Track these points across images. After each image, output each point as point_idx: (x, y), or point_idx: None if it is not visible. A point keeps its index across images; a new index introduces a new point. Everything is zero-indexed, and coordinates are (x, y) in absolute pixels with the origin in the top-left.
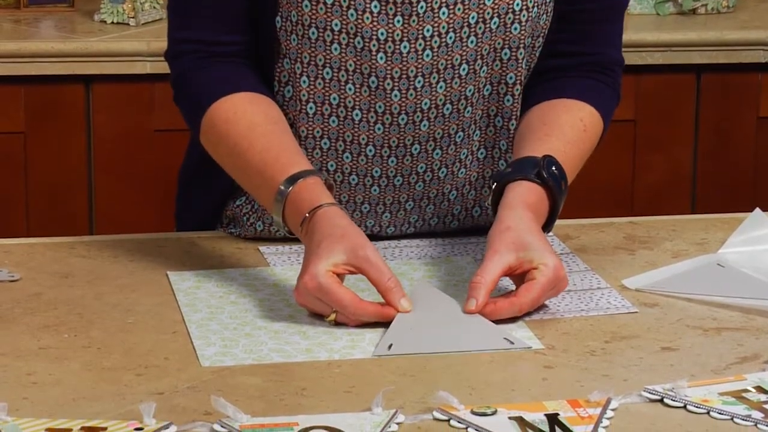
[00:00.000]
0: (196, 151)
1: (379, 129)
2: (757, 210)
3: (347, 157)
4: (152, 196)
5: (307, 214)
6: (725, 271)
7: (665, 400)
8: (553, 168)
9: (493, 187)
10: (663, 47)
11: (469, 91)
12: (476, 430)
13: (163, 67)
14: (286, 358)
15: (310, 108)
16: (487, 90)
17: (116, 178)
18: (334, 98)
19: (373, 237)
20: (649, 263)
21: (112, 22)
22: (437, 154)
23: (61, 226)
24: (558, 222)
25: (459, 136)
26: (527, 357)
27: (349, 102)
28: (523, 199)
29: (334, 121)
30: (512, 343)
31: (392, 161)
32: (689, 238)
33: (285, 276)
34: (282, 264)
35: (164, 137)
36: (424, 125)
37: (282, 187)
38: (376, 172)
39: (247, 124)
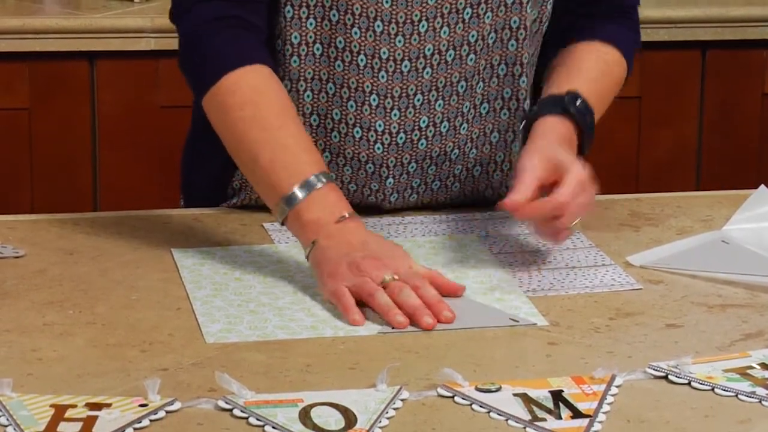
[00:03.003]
0: (201, 123)
1: (383, 77)
2: (762, 187)
3: (351, 106)
4: (156, 172)
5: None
6: (730, 247)
7: (670, 376)
8: (578, 101)
9: (521, 127)
10: (668, 24)
11: (472, 36)
12: (481, 406)
13: (167, 44)
14: (291, 335)
15: (317, 49)
16: (492, 38)
17: (120, 154)
18: (340, 41)
19: (378, 210)
20: (654, 240)
21: None
22: (439, 105)
23: (65, 202)
24: None
25: (461, 86)
26: (532, 334)
27: (355, 47)
28: (553, 130)
29: (339, 66)
30: (517, 321)
31: (395, 114)
32: (694, 214)
33: (290, 253)
34: (286, 241)
35: (169, 113)
36: (427, 72)
37: (296, 192)
38: (379, 125)
39: (280, 101)
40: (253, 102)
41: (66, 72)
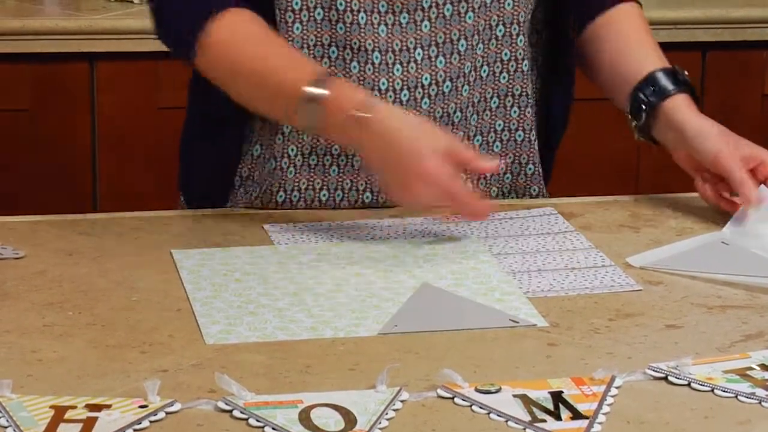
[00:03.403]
0: (198, 113)
1: (382, 31)
2: (762, 187)
3: (354, 67)
4: (157, 174)
5: (355, 113)
6: (729, 249)
7: (669, 377)
8: (683, 74)
9: (646, 110)
10: (668, 25)
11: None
12: (480, 407)
13: None
14: (291, 336)
15: (318, 14)
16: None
17: (121, 156)
18: (341, 3)
19: (371, 206)
20: (654, 241)
21: (117, 0)
22: (440, 62)
23: (65, 203)
24: (562, 200)
25: (461, 45)
26: (531, 334)
27: (355, 5)
28: (697, 112)
29: (341, 28)
30: (516, 322)
31: (397, 70)
32: (694, 215)
33: (289, 254)
34: (286, 242)
35: (169, 115)
36: (425, 26)
37: (311, 89)
38: (383, 83)
39: (257, 37)
40: (234, 49)
41: (66, 73)
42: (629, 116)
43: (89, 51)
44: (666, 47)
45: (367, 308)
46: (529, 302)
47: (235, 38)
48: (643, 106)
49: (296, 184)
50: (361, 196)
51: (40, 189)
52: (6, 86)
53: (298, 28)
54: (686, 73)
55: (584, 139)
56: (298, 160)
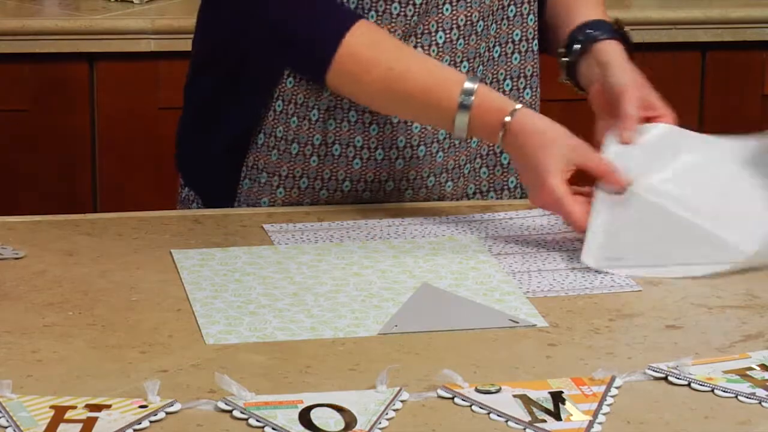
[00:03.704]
0: (198, 102)
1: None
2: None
3: (331, 124)
4: (156, 174)
5: (506, 119)
6: (682, 227)
7: (669, 377)
8: (622, 28)
9: (579, 49)
10: (668, 25)
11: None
12: (480, 407)
13: (167, 45)
14: (291, 336)
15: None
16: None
17: (120, 156)
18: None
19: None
20: None
21: (116, 0)
22: (461, 44)
23: (65, 203)
24: None
25: (480, 26)
26: (531, 335)
27: None
28: (624, 57)
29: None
30: (516, 322)
31: (374, 130)
32: None
33: (289, 254)
34: (286, 242)
35: (168, 115)
36: (446, 9)
37: (462, 99)
38: (358, 141)
39: (394, 45)
40: (374, 61)
41: (66, 73)
42: (561, 53)
43: (89, 51)
44: (666, 47)
45: (367, 308)
46: (529, 302)
47: (372, 48)
48: (577, 46)
49: (277, 169)
50: (340, 185)
51: (40, 189)
52: (6, 86)
53: None
54: (627, 29)
55: (585, 139)
56: (282, 145)
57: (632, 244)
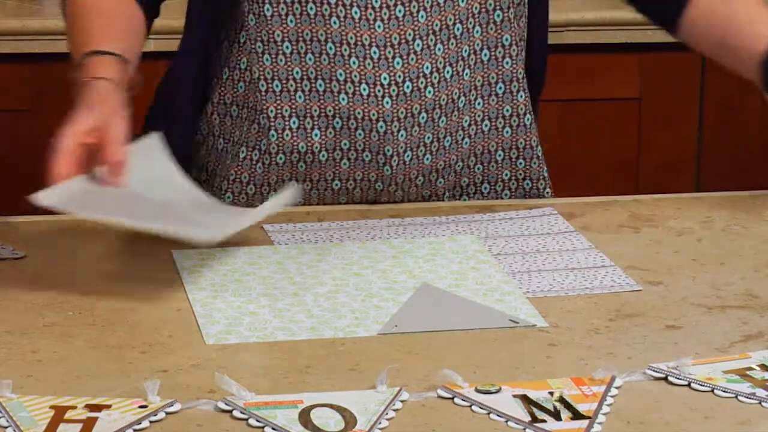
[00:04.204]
0: (165, 93)
1: (379, 27)
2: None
3: (354, 63)
4: None
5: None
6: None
7: (669, 377)
8: None
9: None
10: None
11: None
12: (480, 407)
13: (167, 45)
14: (291, 336)
15: (311, 8)
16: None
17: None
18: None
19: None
20: (654, 241)
21: None
22: (439, 50)
23: None
24: (562, 200)
25: (457, 29)
26: (531, 335)
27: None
28: None
29: (335, 22)
30: (516, 323)
31: (398, 63)
32: (694, 216)
33: (289, 255)
34: (286, 242)
35: None
36: (422, 16)
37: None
38: (385, 78)
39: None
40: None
41: (65, 74)
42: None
43: None
44: (666, 47)
45: (367, 308)
46: (529, 302)
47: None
48: None
49: (265, 179)
50: (330, 185)
51: (40, 189)
52: (6, 86)
53: (291, 21)
54: None
55: (584, 139)
56: (266, 158)
57: (88, 198)
